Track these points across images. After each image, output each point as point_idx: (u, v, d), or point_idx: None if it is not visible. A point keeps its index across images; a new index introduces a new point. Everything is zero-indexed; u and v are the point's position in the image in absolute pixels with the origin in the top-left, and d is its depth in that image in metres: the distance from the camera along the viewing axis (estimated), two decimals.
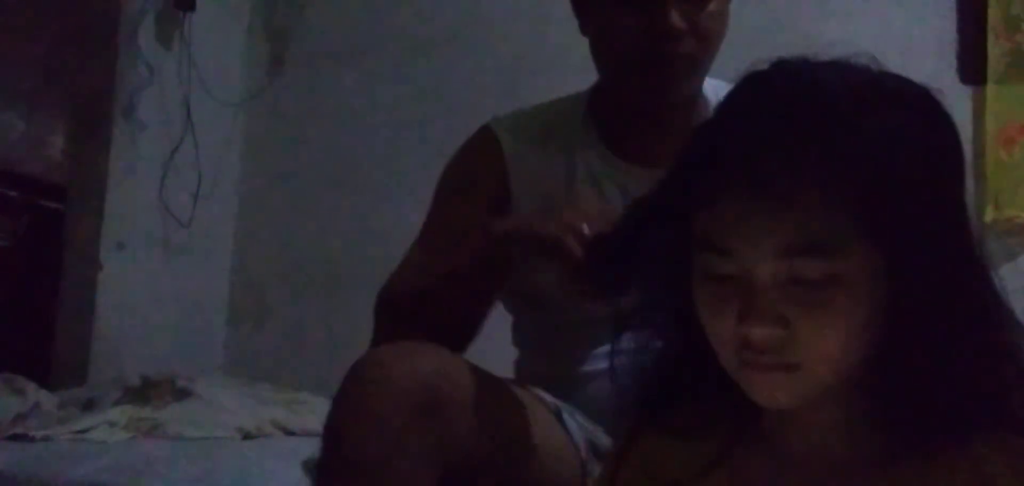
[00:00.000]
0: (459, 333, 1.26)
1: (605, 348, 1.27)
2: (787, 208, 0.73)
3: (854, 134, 0.73)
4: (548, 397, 1.24)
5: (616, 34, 1.30)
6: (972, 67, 2.29)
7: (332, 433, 1.07)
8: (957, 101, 2.21)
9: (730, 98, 0.81)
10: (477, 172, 1.39)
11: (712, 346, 0.80)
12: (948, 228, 0.76)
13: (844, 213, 0.73)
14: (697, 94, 1.33)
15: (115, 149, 2.82)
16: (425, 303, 1.27)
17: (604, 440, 1.23)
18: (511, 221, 1.26)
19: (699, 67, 1.31)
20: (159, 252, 2.93)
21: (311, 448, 1.10)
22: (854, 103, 0.75)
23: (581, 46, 1.40)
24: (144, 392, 2.32)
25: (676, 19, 1.26)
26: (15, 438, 2.00)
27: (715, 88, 1.31)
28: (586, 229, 1.05)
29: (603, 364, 1.27)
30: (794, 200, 0.73)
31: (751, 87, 0.79)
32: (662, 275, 0.84)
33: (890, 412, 0.78)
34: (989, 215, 2.23)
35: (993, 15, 2.27)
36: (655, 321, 0.88)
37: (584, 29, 1.37)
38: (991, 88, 2.26)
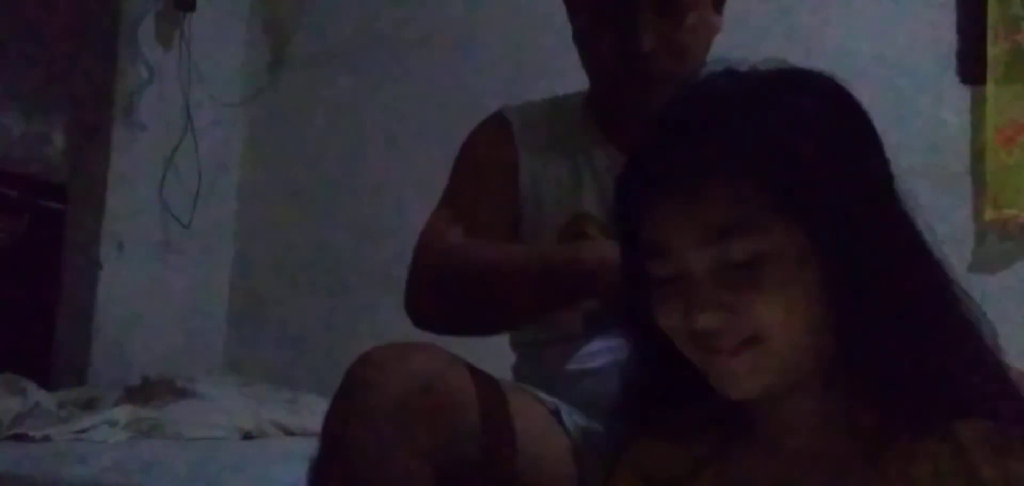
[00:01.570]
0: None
1: (591, 346, 1.29)
2: (701, 198, 0.78)
3: (751, 118, 0.79)
4: (545, 397, 1.24)
5: (593, 48, 1.32)
6: (972, 67, 2.29)
7: (330, 433, 1.07)
8: (957, 101, 2.24)
9: (650, 118, 0.87)
10: (492, 144, 1.40)
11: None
12: (865, 203, 0.80)
13: (755, 194, 0.77)
14: None
15: (115, 149, 2.82)
16: (461, 258, 1.27)
17: (602, 438, 1.23)
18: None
19: (678, 80, 1.31)
20: (159, 252, 2.93)
21: (311, 448, 1.10)
22: (750, 91, 0.81)
23: None
24: (144, 392, 2.32)
25: (647, 41, 1.25)
26: (15, 438, 2.00)
27: None
28: None
29: (590, 363, 1.29)
30: (705, 189, 0.78)
31: (666, 103, 0.86)
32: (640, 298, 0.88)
33: (865, 400, 0.81)
34: (989, 215, 2.22)
35: (993, 15, 2.26)
36: (637, 333, 0.92)
37: (573, 35, 1.38)
38: (991, 88, 2.25)
